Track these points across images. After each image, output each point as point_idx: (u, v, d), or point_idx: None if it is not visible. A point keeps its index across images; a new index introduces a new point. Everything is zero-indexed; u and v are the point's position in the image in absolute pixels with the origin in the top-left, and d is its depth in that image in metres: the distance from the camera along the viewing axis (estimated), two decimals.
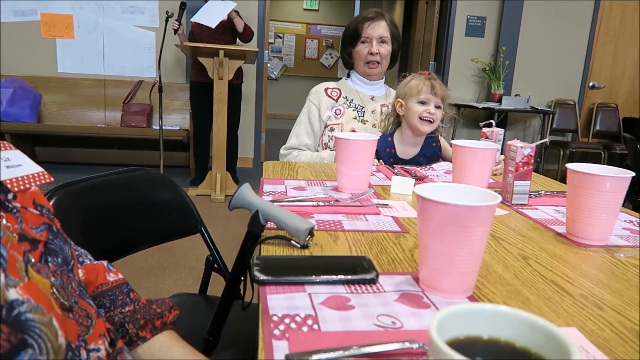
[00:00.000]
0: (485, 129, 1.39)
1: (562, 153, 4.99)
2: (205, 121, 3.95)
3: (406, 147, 1.54)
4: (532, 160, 1.10)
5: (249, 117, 4.86)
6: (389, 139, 1.55)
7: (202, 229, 1.29)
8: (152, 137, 4.02)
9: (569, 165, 0.88)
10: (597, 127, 5.23)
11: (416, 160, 1.55)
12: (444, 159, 1.60)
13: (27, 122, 4.15)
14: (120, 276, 0.68)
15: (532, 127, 5.31)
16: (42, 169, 0.58)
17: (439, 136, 1.60)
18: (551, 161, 5.24)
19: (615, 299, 0.65)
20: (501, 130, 1.39)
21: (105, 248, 1.10)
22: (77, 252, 0.67)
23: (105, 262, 0.70)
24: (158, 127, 3.68)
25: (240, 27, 3.85)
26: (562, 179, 4.48)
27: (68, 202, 1.01)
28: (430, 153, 1.56)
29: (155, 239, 1.23)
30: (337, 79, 1.86)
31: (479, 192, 0.65)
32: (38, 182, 0.55)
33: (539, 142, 1.15)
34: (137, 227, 1.18)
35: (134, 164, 4.53)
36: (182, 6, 3.77)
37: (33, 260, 0.47)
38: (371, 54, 1.69)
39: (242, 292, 0.94)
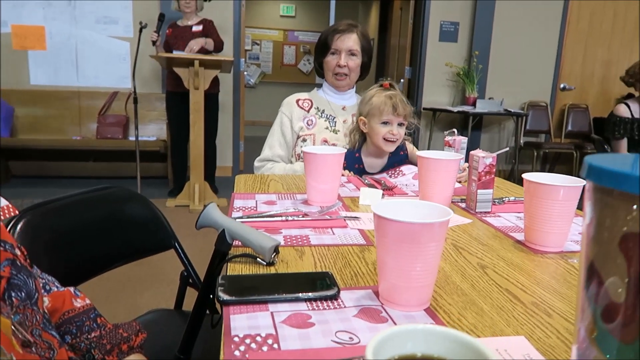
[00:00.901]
0: (448, 138, 1.43)
1: (536, 154, 5.10)
2: (182, 131, 3.94)
3: (374, 160, 1.57)
4: (494, 169, 1.13)
5: (227, 125, 4.86)
6: (357, 155, 1.57)
7: (176, 244, 1.30)
8: (129, 149, 3.99)
9: (525, 176, 0.92)
10: (569, 128, 5.36)
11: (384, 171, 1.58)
12: (412, 163, 1.63)
13: (0, 137, 4.08)
14: (87, 301, 0.69)
15: (506, 129, 5.42)
16: (7, 203, 0.58)
17: (405, 143, 1.62)
18: (526, 162, 5.35)
19: (564, 306, 0.69)
20: (464, 139, 1.43)
21: (76, 268, 1.11)
22: (42, 281, 0.68)
23: (72, 288, 0.71)
24: (134, 139, 3.67)
25: (211, 48, 3.88)
26: None
27: (36, 224, 1.01)
28: (398, 162, 1.60)
29: (128, 256, 1.23)
30: (314, 85, 1.89)
31: (432, 208, 0.68)
32: (2, 217, 0.56)
33: (500, 152, 1.19)
34: (109, 245, 1.18)
35: (111, 176, 4.52)
36: (161, 17, 3.77)
37: None
38: (339, 66, 1.72)
39: (212, 310, 0.96)
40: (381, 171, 1.58)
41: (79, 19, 4.50)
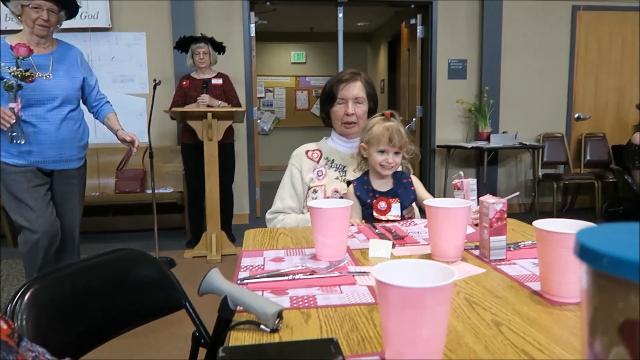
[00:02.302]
0: (456, 181, 1.42)
1: (555, 186, 5.01)
2: (198, 182, 3.98)
3: (379, 182, 1.64)
4: (505, 215, 1.10)
5: (243, 173, 4.91)
6: (365, 177, 1.64)
7: (187, 304, 1.28)
8: (147, 202, 4.04)
9: (536, 223, 0.89)
10: (588, 157, 5.27)
11: (394, 191, 1.62)
12: (419, 196, 1.66)
13: None
14: None
15: (523, 162, 5.35)
16: None
17: (410, 175, 1.69)
18: (546, 194, 5.25)
19: None
20: (472, 180, 1.42)
21: (87, 335, 1.09)
22: (32, 354, 0.66)
23: None
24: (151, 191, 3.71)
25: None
26: (559, 212, 4.43)
27: (44, 293, 1.01)
28: (403, 188, 1.64)
29: (137, 320, 1.21)
30: (323, 128, 1.88)
31: (437, 268, 0.65)
32: None
33: (510, 197, 1.16)
34: (119, 309, 1.17)
35: (129, 230, 4.56)
36: (204, 84, 3.86)
37: None
38: (347, 114, 1.73)
39: None
40: (389, 190, 1.62)
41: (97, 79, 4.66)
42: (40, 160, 2.34)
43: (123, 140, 2.68)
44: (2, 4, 2.36)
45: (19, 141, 2.23)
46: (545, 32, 5.21)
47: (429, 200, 1.14)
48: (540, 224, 0.88)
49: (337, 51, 5.55)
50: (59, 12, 2.34)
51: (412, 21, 5.45)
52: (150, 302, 1.24)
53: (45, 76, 2.29)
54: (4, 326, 0.60)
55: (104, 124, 2.76)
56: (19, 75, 2.16)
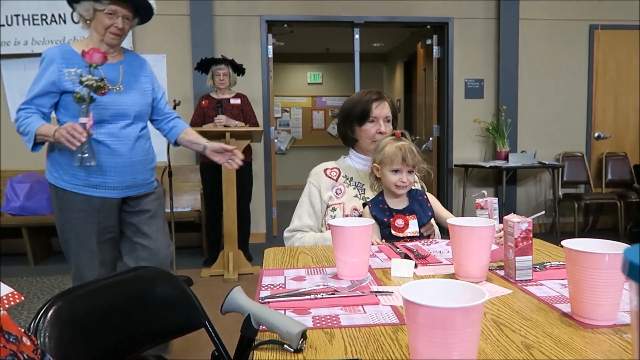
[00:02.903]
0: (479, 200, 1.39)
1: (576, 206, 4.92)
2: (216, 201, 3.99)
3: (394, 200, 1.63)
4: (531, 234, 1.08)
5: (260, 192, 4.92)
6: (381, 197, 1.64)
7: (207, 323, 1.27)
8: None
9: (565, 243, 0.87)
10: (609, 177, 5.18)
11: (410, 208, 1.62)
12: (437, 214, 1.66)
13: (44, 215, 4.24)
14: None
15: (542, 181, 5.28)
16: (11, 289, 0.58)
17: (425, 192, 1.70)
18: (567, 214, 5.15)
19: None
20: (495, 199, 1.39)
21: (106, 354, 1.09)
22: None
23: None
24: (169, 210, 3.74)
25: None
26: (580, 232, 4.33)
27: (67, 311, 1.01)
28: (419, 205, 1.64)
29: (157, 339, 1.21)
30: (344, 147, 1.88)
31: (465, 288, 0.64)
32: (7, 305, 0.56)
33: (535, 216, 1.14)
34: (138, 328, 1.16)
35: None
36: (218, 104, 3.92)
37: None
38: (380, 133, 1.74)
39: None
40: (406, 208, 1.62)
41: None
42: (112, 186, 1.96)
43: (220, 151, 2.11)
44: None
45: (89, 164, 1.81)
46: (563, 51, 5.19)
47: (452, 219, 1.12)
48: (570, 244, 0.86)
49: (353, 71, 5.59)
50: (133, 19, 1.98)
51: (428, 41, 5.47)
52: (170, 320, 1.23)
53: (116, 89, 1.92)
54: (28, 342, 0.60)
55: (178, 142, 2.30)
56: (93, 85, 1.76)
